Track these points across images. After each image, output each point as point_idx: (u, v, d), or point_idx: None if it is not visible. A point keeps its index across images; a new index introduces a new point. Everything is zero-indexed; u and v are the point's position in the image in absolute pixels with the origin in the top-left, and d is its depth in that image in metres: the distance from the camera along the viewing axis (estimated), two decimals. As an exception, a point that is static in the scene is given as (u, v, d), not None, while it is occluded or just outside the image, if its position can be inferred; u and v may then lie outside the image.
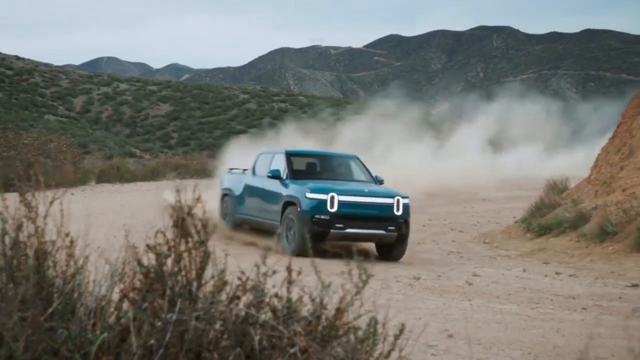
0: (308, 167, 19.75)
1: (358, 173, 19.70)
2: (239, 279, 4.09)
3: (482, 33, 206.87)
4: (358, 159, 20.27)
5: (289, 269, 4.11)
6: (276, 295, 4.09)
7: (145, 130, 78.69)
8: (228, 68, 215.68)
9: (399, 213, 17.83)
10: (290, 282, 4.11)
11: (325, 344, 4.00)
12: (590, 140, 43.70)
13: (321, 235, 17.32)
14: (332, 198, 17.40)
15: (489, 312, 11.24)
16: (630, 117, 22.13)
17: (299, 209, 17.55)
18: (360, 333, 4.13)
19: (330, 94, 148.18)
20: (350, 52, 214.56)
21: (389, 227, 17.73)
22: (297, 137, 32.50)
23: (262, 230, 19.36)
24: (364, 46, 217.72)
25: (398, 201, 17.86)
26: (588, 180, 22.44)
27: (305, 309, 4.11)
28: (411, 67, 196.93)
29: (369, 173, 19.65)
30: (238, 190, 20.85)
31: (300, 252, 16.25)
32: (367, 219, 17.61)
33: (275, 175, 18.75)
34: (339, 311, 4.07)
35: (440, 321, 9.72)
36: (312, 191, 17.59)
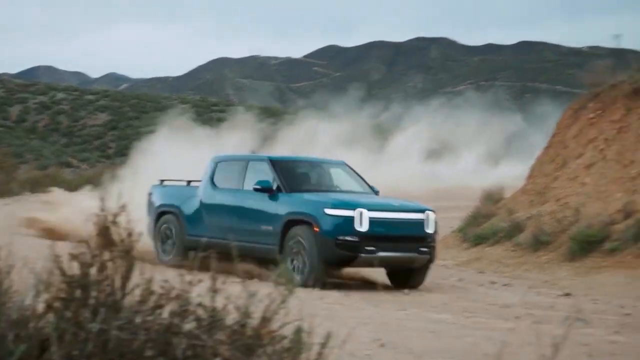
0: (299, 176, 16.37)
1: (354, 183, 16.75)
2: (162, 287, 4.05)
3: (421, 44, 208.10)
4: (347, 165, 17.29)
5: (213, 278, 4.08)
6: (200, 304, 4.06)
7: (82, 139, 78.16)
8: (167, 78, 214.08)
9: (430, 231, 15.00)
10: (215, 290, 4.08)
11: (250, 353, 3.98)
12: (528, 150, 44.16)
13: (346, 261, 14.59)
14: (361, 214, 14.30)
15: (423, 321, 11.28)
16: (564, 127, 22.39)
17: (316, 230, 14.24)
18: (285, 342, 4.11)
19: (270, 104, 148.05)
20: (290, 62, 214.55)
21: (421, 248, 14.82)
22: (232, 142, 31.81)
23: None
24: (304, 56, 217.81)
25: (428, 216, 15.03)
26: (523, 190, 22.67)
27: (231, 318, 4.09)
28: (350, 77, 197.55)
29: (365, 182, 16.81)
30: (189, 208, 17.00)
31: (316, 284, 13.82)
32: (398, 240, 14.71)
33: (265, 187, 15.31)
34: (264, 320, 4.06)
35: (374, 330, 9.73)
36: (335, 207, 14.45)
